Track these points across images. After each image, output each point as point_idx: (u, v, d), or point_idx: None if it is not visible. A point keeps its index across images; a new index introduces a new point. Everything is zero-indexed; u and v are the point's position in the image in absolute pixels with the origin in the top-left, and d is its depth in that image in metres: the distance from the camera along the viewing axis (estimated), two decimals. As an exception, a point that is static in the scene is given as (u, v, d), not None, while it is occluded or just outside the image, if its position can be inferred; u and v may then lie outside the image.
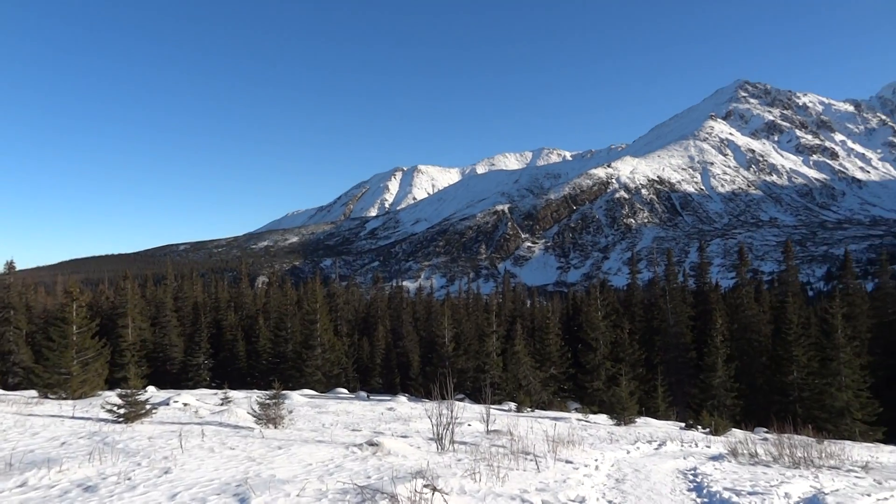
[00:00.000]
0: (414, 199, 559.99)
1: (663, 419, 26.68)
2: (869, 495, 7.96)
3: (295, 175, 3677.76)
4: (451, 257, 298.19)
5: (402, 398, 27.10)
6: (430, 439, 11.56)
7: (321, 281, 44.87)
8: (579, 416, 23.51)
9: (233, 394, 22.79)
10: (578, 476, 8.82)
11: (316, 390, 30.83)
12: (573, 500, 7.25)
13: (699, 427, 21.52)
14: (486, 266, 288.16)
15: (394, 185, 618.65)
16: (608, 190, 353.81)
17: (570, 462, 9.99)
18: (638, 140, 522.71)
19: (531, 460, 9.55)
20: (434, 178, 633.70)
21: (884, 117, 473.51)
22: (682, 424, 23.19)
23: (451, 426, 10.69)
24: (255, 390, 28.61)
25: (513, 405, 24.81)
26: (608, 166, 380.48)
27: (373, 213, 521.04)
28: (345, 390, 30.87)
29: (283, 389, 15.51)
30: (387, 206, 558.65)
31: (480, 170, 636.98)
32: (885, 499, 7.79)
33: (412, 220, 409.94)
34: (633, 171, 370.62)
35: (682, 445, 15.15)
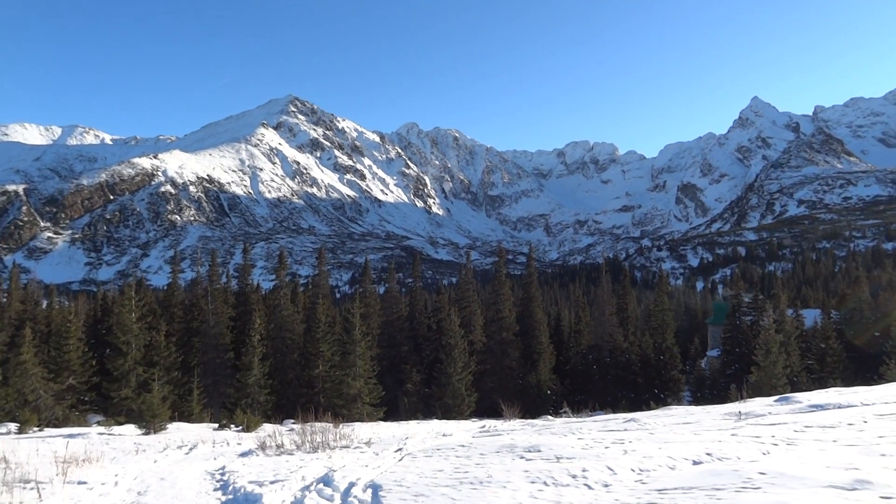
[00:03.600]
0: None
1: (198, 422, 26.23)
2: (367, 465, 9.44)
3: None
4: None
5: None
6: None
7: None
8: (102, 429, 21.16)
9: None
10: (93, 497, 7.92)
11: None
12: (83, 526, 6.45)
13: (232, 426, 21.92)
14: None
15: None
16: (153, 182, 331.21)
17: (84, 482, 8.90)
18: (189, 135, 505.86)
19: (32, 489, 8.12)
20: None
21: (400, 150, 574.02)
22: (217, 425, 23.23)
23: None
24: None
25: (13, 426, 20.70)
26: (154, 157, 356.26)
27: None
28: None
29: None
30: None
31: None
32: (378, 466, 9.37)
33: None
34: (181, 166, 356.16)
35: (213, 446, 15.17)
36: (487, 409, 33.68)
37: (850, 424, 10.23)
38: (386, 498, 6.85)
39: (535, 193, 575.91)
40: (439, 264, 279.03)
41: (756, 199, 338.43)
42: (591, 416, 23.86)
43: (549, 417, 25.19)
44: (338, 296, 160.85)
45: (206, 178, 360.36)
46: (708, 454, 8.02)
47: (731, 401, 22.09)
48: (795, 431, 9.88)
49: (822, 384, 29.56)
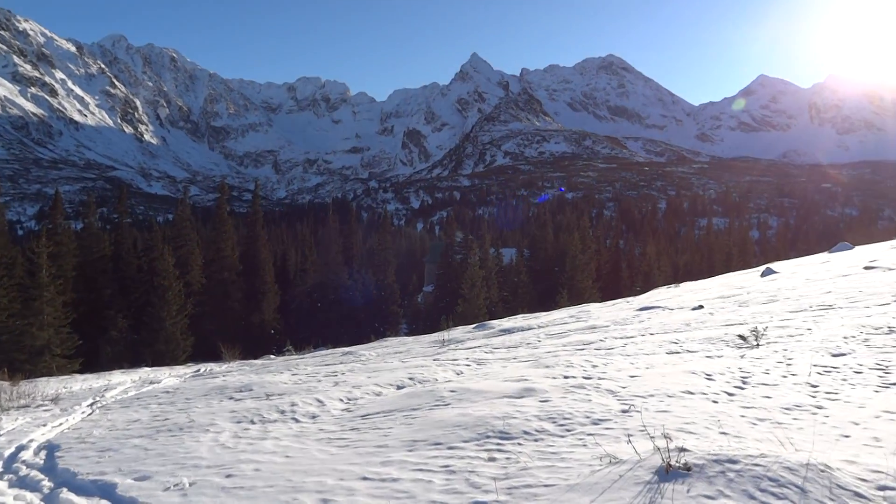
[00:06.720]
0: None
1: None
2: (45, 425, 8.23)
3: None
4: None
5: None
6: None
7: None
8: None
9: None
10: None
11: None
12: None
13: None
14: None
15: None
16: None
17: None
18: None
19: None
20: None
21: (104, 66, 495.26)
22: None
23: None
24: None
25: None
26: None
27: None
28: None
29: None
30: None
31: None
32: (61, 423, 8.24)
33: None
34: None
35: None
36: (206, 352, 32.04)
37: (528, 344, 12.01)
38: (64, 458, 6.02)
39: (264, 128, 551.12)
40: (153, 199, 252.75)
41: (471, 149, 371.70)
42: (314, 352, 24.27)
43: (272, 357, 24.95)
44: (20, 233, 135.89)
45: None
46: (411, 379, 8.69)
47: (441, 330, 24.37)
48: (486, 353, 11.27)
49: (513, 311, 34.27)
